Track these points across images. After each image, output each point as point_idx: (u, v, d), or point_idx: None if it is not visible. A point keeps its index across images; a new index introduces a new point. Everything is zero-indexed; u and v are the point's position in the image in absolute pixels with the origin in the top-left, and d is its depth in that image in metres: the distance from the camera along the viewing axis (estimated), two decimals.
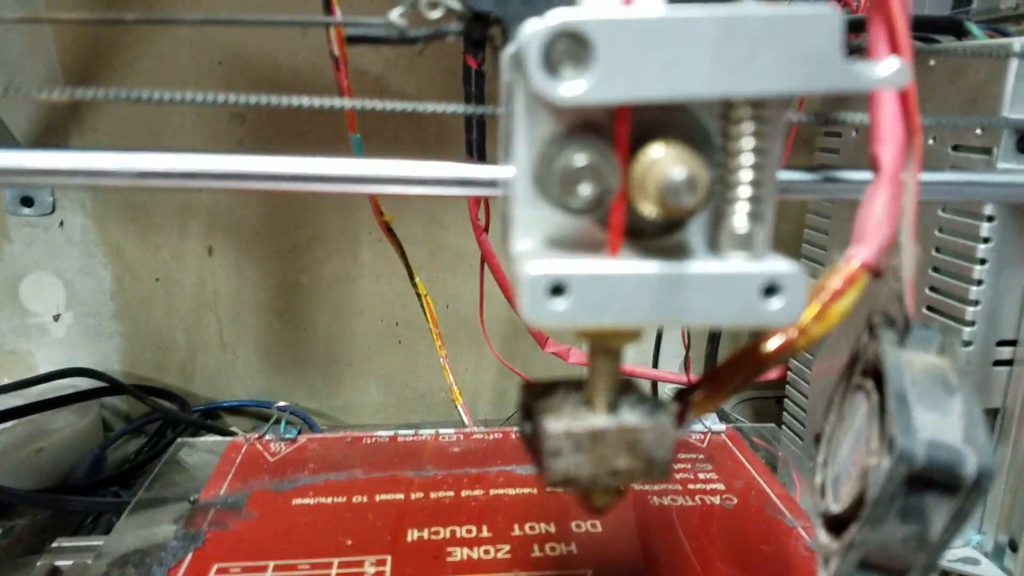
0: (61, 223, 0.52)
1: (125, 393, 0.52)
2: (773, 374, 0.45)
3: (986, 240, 0.31)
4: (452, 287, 0.54)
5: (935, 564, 0.17)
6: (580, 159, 0.15)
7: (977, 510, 0.34)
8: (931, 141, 0.33)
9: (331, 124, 0.41)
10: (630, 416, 0.16)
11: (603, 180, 0.15)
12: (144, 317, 0.54)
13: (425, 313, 0.41)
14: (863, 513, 0.17)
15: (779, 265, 0.15)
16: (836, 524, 0.19)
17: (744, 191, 0.15)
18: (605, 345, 0.16)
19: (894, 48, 0.17)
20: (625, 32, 0.14)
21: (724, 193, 0.15)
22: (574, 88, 0.14)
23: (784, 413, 0.45)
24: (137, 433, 0.53)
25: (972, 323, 0.32)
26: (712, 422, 0.40)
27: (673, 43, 0.14)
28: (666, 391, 0.48)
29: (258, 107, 0.49)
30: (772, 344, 0.18)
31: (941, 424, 0.17)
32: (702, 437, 0.39)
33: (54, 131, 0.50)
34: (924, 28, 0.31)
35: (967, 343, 0.32)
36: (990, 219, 0.30)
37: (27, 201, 0.50)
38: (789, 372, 0.45)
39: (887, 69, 0.14)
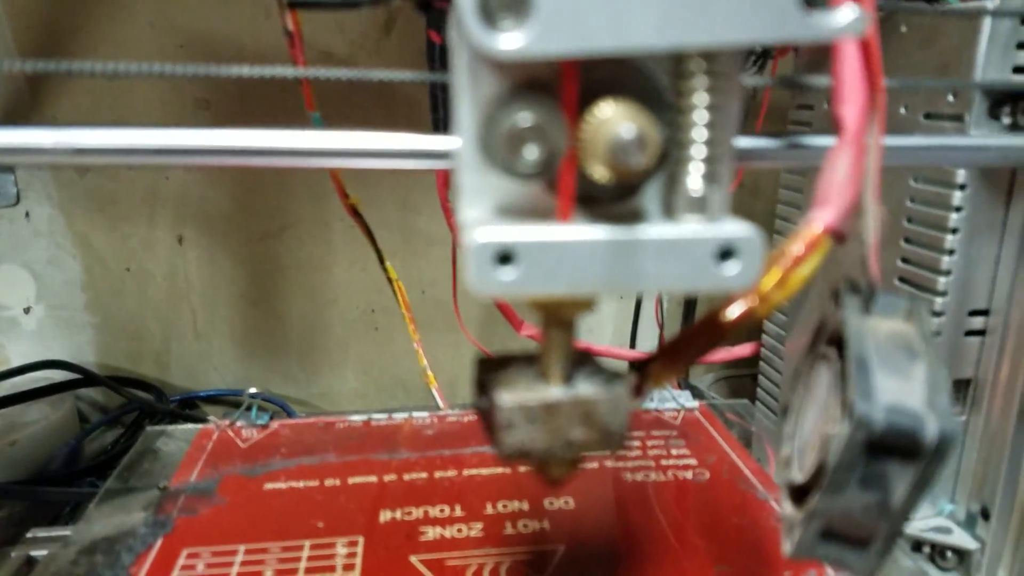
0: (27, 214, 0.51)
1: (100, 384, 0.52)
2: (747, 351, 0.45)
3: (958, 209, 0.30)
4: (427, 273, 0.54)
5: (899, 532, 0.17)
6: (525, 119, 0.14)
7: (942, 478, 0.34)
8: (902, 110, 0.32)
9: (299, 108, 0.41)
10: (585, 387, 0.16)
11: (550, 141, 0.14)
12: (116, 308, 0.53)
13: (397, 297, 0.40)
14: (823, 481, 0.16)
15: (735, 228, 0.15)
16: (800, 494, 0.19)
17: (698, 151, 0.15)
18: (558, 316, 0.16)
19: None
20: None
21: (678, 154, 0.15)
22: (513, 41, 0.13)
23: (758, 389, 0.45)
24: (113, 424, 0.52)
25: (944, 293, 0.31)
26: (686, 400, 0.40)
27: None
28: None
29: (223, 92, 0.48)
30: (732, 312, 0.18)
31: (902, 390, 0.16)
32: (676, 414, 0.39)
33: (11, 120, 0.48)
34: None
35: (938, 313, 0.32)
36: (962, 187, 0.30)
37: None
38: (763, 349, 0.45)
39: (845, 17, 0.14)
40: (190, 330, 0.53)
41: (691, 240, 0.15)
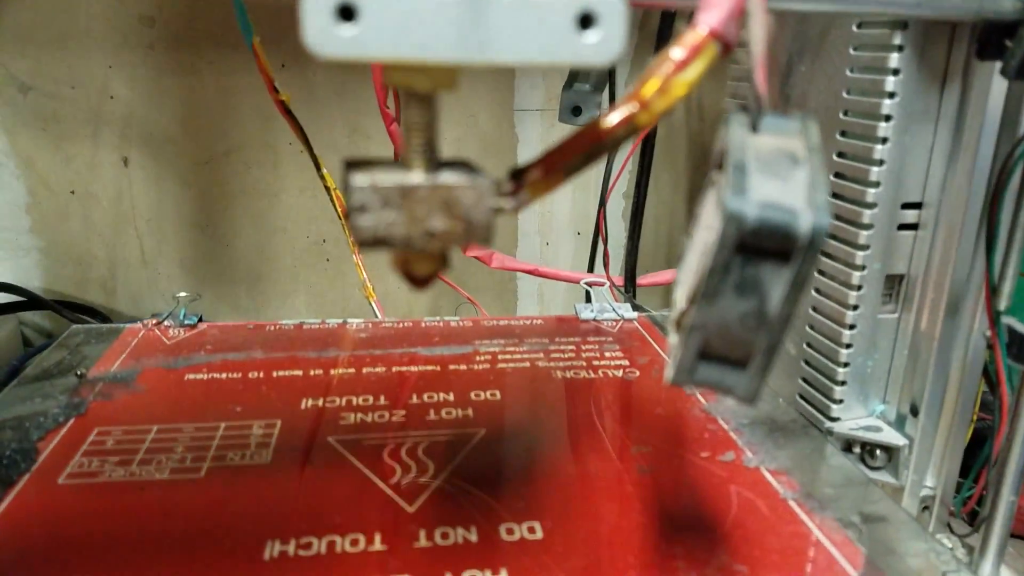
0: None
1: (44, 308, 0.51)
2: None
3: (891, 95, 0.30)
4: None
5: (777, 346, 0.16)
6: None
7: (874, 377, 0.33)
8: None
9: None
10: (447, 176, 0.15)
11: None
12: (61, 231, 0.52)
13: (336, 208, 0.40)
14: (698, 290, 0.16)
15: None
16: (682, 321, 0.19)
17: None
18: (413, 88, 0.15)
19: None
20: None
21: None
22: None
23: None
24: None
25: (877, 184, 0.31)
26: (625, 311, 0.39)
27: None
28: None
29: (169, 9, 0.47)
30: (612, 118, 0.17)
31: (780, 190, 0.16)
32: (614, 324, 0.39)
33: None
34: None
35: (871, 205, 0.31)
36: (895, 72, 0.30)
37: None
38: None
39: None
40: (136, 256, 0.53)
41: (548, 2, 0.14)
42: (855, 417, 0.34)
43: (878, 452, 0.33)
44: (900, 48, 0.29)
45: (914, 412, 0.33)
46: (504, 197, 0.17)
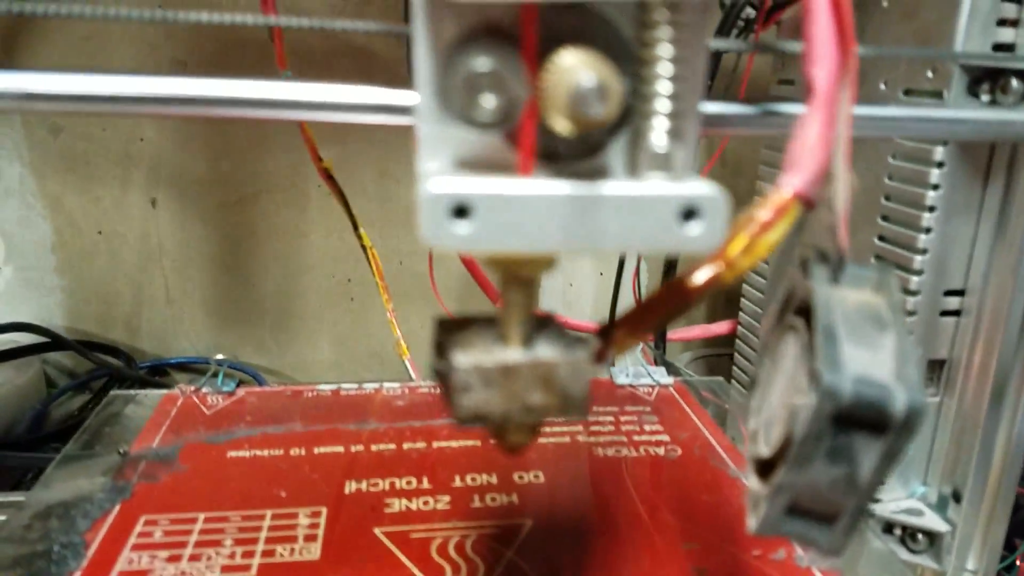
0: None
1: (68, 349, 0.51)
2: (724, 329, 0.45)
3: (935, 187, 0.30)
4: (406, 243, 0.53)
5: (866, 508, 0.16)
6: (483, 65, 0.13)
7: (915, 459, 0.34)
8: (883, 86, 0.32)
9: (276, 72, 0.40)
10: (544, 350, 0.15)
11: (510, 90, 0.14)
12: (87, 271, 0.52)
13: (371, 265, 0.40)
14: (789, 454, 0.16)
15: (699, 187, 0.14)
16: (766, 468, 0.19)
17: (662, 105, 0.14)
18: (517, 274, 0.15)
19: None
20: None
21: (642, 108, 0.14)
22: None
23: (734, 368, 0.45)
24: (81, 389, 0.52)
25: (920, 272, 0.31)
26: (660, 376, 0.39)
27: None
28: None
29: (200, 53, 0.47)
30: (698, 278, 0.17)
31: (871, 361, 0.16)
32: (650, 390, 0.39)
33: None
34: None
35: (914, 292, 0.31)
36: (940, 165, 0.30)
37: None
38: (739, 327, 0.45)
39: None
40: (162, 295, 0.53)
41: (653, 198, 0.14)
42: (896, 498, 0.34)
43: (920, 536, 0.33)
44: (945, 141, 0.30)
45: (956, 497, 0.33)
46: (594, 364, 0.16)
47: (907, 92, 0.31)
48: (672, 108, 0.14)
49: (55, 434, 0.44)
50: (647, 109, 0.14)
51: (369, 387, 0.38)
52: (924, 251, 0.31)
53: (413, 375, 0.41)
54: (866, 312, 0.18)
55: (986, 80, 0.28)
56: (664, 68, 0.14)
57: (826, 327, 0.17)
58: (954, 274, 0.31)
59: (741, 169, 0.54)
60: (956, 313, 0.32)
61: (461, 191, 0.14)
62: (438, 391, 0.17)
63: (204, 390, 0.36)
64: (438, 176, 0.14)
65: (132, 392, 0.37)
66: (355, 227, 0.39)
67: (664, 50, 0.14)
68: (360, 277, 0.54)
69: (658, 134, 0.14)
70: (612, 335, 0.17)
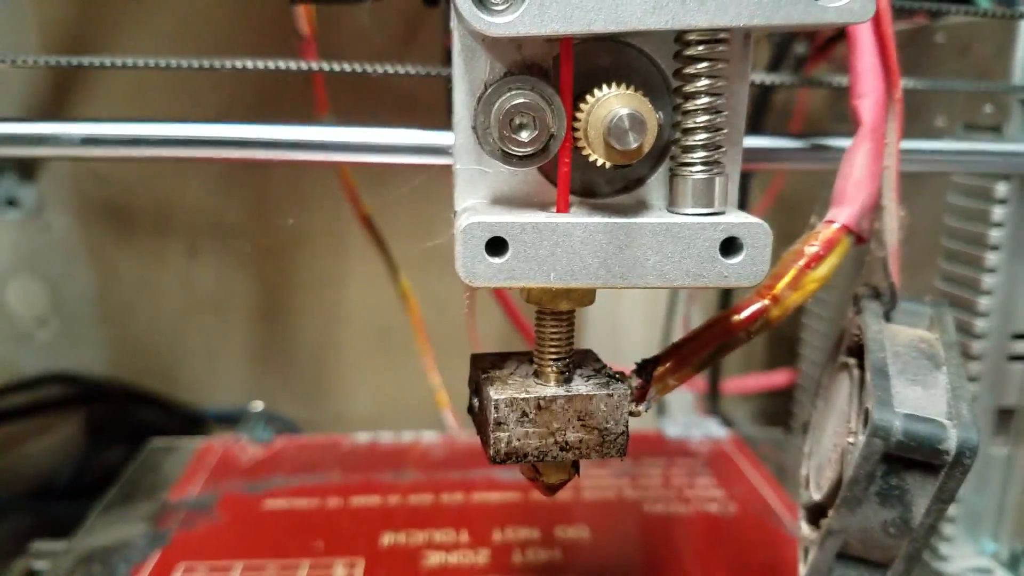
0: (47, 225, 0.51)
1: (109, 399, 0.52)
2: (782, 379, 0.43)
3: (999, 225, 0.29)
4: (447, 291, 0.53)
5: (920, 553, 0.15)
6: (519, 101, 0.14)
7: (984, 515, 0.31)
8: (940, 122, 0.31)
9: (318, 119, 0.41)
10: (581, 386, 0.15)
11: (546, 126, 0.14)
12: (127, 321, 0.53)
13: (410, 313, 0.40)
14: (839, 496, 0.15)
15: (739, 218, 0.14)
16: (817, 513, 0.18)
17: (700, 136, 0.14)
18: (553, 309, 0.15)
19: None
20: None
21: (681, 141, 0.14)
22: (504, 18, 0.13)
23: (794, 419, 0.43)
24: (122, 439, 0.52)
25: (985, 314, 0.30)
26: (713, 428, 0.38)
27: None
28: None
29: (243, 102, 0.48)
30: (744, 313, 0.17)
31: (923, 398, 0.15)
32: (702, 443, 0.38)
33: None
34: None
35: (979, 336, 0.30)
36: (1002, 202, 0.29)
37: (12, 201, 0.50)
38: (800, 376, 0.43)
39: (852, 1, 0.13)
40: (200, 345, 0.53)
41: (692, 227, 0.14)
42: (964, 555, 0.32)
43: None
44: (1007, 177, 0.29)
45: None
46: (634, 402, 0.16)
47: (966, 127, 0.30)
48: (712, 140, 0.14)
49: (96, 483, 0.45)
50: (687, 142, 0.14)
51: (407, 437, 0.38)
52: (989, 292, 0.29)
53: (452, 425, 0.41)
54: (919, 349, 0.17)
55: None
56: (703, 101, 0.14)
57: (876, 363, 0.16)
58: (1022, 316, 0.30)
59: (797, 209, 0.53)
60: None
61: (496, 224, 0.14)
62: (474, 429, 0.16)
63: (242, 440, 0.36)
64: (473, 211, 0.14)
65: (171, 440, 0.37)
66: (395, 275, 0.39)
67: (703, 84, 0.14)
68: (400, 325, 0.54)
69: (696, 166, 0.14)
70: (653, 372, 0.17)
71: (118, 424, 0.53)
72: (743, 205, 0.43)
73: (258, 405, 0.36)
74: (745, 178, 0.42)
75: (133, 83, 0.50)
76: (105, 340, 0.53)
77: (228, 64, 0.21)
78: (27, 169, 0.50)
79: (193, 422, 0.53)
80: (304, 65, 0.21)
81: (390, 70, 0.20)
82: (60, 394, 0.49)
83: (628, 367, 0.17)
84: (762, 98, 0.37)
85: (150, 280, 0.53)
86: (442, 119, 0.21)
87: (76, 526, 0.40)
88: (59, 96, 0.50)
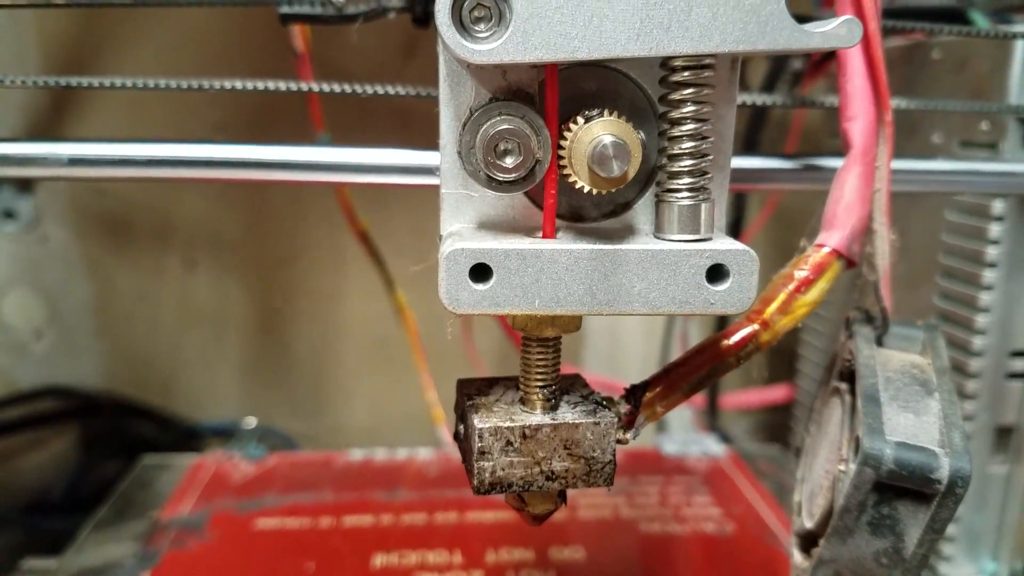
0: (44, 237, 0.51)
1: (105, 412, 0.51)
2: (780, 395, 0.43)
3: (995, 242, 0.29)
4: (444, 307, 0.53)
5: None
6: (504, 126, 0.13)
7: (984, 534, 0.31)
8: (936, 139, 0.31)
9: (315, 135, 0.41)
10: (568, 413, 0.15)
11: (531, 151, 0.14)
12: (125, 333, 0.53)
13: (406, 327, 0.40)
14: (830, 525, 0.15)
15: (726, 244, 0.14)
16: (809, 541, 0.17)
17: (686, 163, 0.14)
18: (539, 335, 0.15)
19: (857, 10, 0.16)
20: None
21: (666, 167, 0.14)
22: (487, 45, 0.12)
23: (792, 434, 0.43)
24: (116, 454, 0.52)
25: (982, 332, 0.29)
26: (711, 444, 0.38)
27: None
28: None
29: (240, 116, 0.48)
30: (733, 338, 0.17)
31: (915, 426, 0.15)
32: (700, 460, 0.37)
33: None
34: (926, 17, 0.30)
35: (978, 354, 0.30)
36: (999, 219, 0.28)
37: (9, 214, 0.50)
38: (798, 392, 0.43)
39: (835, 24, 0.13)
40: (197, 358, 0.53)
41: (678, 255, 0.14)
42: (964, 575, 0.31)
43: None
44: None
45: None
46: (623, 429, 0.16)
47: (963, 144, 0.30)
48: (697, 166, 0.14)
49: (91, 497, 0.44)
50: (672, 168, 0.14)
51: (401, 454, 0.38)
52: (986, 310, 0.29)
53: (448, 441, 0.41)
54: (911, 375, 0.16)
55: None
56: (688, 127, 0.13)
57: (868, 390, 0.16)
58: (1020, 334, 0.30)
59: (796, 221, 0.53)
60: (1023, 376, 0.30)
61: (480, 250, 0.13)
62: (460, 453, 0.16)
63: (235, 456, 0.36)
64: (457, 237, 0.14)
65: (164, 457, 0.37)
66: (391, 290, 0.39)
67: (688, 109, 0.13)
68: (397, 340, 0.54)
69: (682, 192, 0.14)
70: (642, 398, 0.16)
71: (113, 438, 0.53)
72: (740, 219, 0.43)
73: (251, 421, 0.35)
74: (740, 195, 0.42)
75: (132, 98, 0.50)
76: (102, 352, 0.53)
77: (218, 85, 0.21)
78: (24, 181, 0.50)
79: (189, 436, 0.52)
80: (295, 86, 0.21)
81: (380, 91, 0.20)
82: (55, 407, 0.49)
83: (626, 380, 0.17)
84: (758, 116, 0.37)
85: (147, 293, 0.53)
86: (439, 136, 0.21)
87: (70, 541, 0.40)
88: (59, 108, 0.50)
